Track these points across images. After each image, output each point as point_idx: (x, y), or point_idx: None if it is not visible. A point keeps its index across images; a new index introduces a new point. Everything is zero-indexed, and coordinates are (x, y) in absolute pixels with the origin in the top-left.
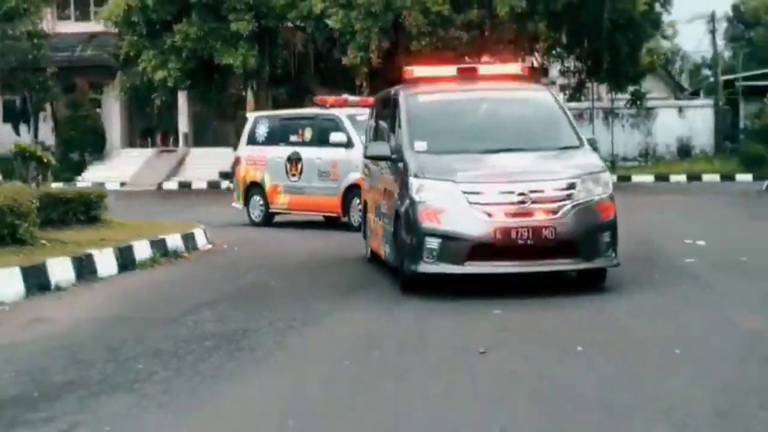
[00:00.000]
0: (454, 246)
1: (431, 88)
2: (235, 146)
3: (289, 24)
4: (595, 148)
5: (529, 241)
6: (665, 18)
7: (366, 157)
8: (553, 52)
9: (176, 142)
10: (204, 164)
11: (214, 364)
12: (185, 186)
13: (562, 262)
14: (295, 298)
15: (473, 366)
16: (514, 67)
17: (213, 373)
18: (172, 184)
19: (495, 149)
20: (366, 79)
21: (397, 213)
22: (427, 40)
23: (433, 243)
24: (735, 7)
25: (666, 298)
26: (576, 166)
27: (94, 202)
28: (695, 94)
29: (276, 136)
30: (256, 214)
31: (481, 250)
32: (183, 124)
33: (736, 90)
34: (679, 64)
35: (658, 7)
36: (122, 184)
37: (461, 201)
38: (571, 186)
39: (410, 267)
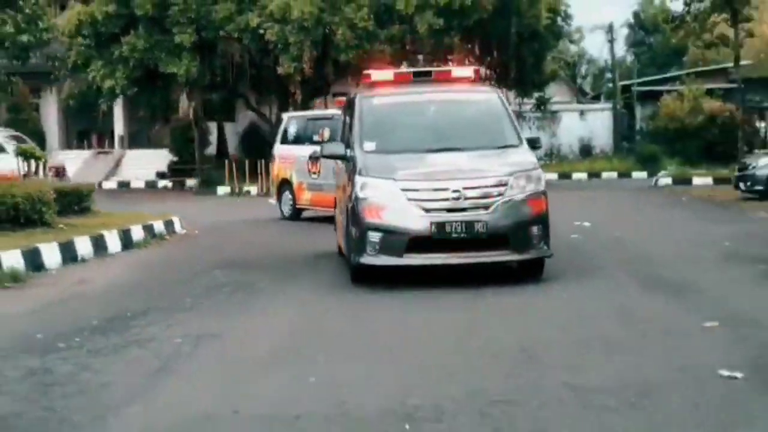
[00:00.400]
0: (393, 239)
1: (386, 91)
2: (169, 148)
3: (228, 36)
4: (535, 147)
5: (462, 235)
6: (570, 27)
7: (322, 156)
8: (466, 62)
9: (111, 144)
10: (140, 165)
11: (239, 298)
12: (124, 185)
13: (494, 254)
14: (269, 268)
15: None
16: (466, 71)
17: (240, 302)
18: (111, 184)
19: (437, 148)
20: (298, 86)
21: (347, 209)
22: (354, 52)
23: (375, 237)
24: (636, 14)
25: (549, 261)
26: (510, 164)
27: (85, 195)
28: (597, 98)
29: (302, 136)
30: (286, 209)
31: (419, 243)
32: (119, 128)
33: (633, 94)
34: (585, 68)
35: (559, 20)
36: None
37: (400, 198)
38: (504, 183)
39: (356, 259)
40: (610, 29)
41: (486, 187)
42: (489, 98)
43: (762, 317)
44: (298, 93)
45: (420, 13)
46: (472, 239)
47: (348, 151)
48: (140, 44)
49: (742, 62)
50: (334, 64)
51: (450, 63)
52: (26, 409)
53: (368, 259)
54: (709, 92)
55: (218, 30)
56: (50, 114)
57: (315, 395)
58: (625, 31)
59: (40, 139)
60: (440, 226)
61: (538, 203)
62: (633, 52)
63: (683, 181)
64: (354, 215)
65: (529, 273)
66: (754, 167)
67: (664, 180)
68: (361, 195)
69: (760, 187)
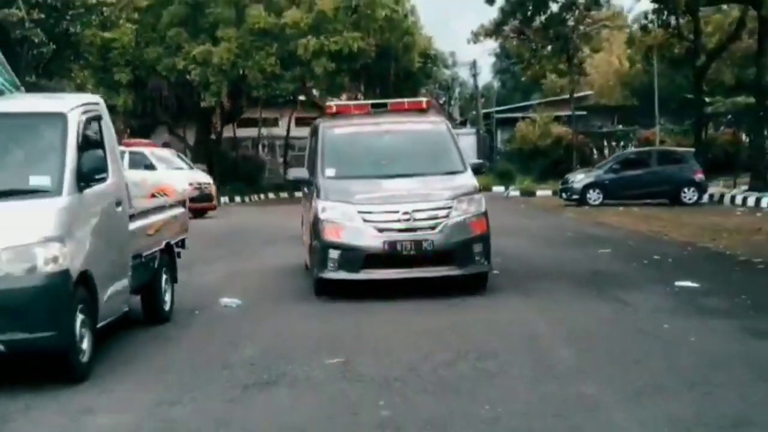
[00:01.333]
0: (351, 256)
1: (346, 122)
2: None
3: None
4: (479, 172)
5: (412, 252)
6: (439, 68)
7: (288, 179)
8: (359, 97)
9: None
10: None
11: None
12: None
13: (440, 269)
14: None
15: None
16: (419, 102)
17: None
18: None
19: (391, 174)
20: (219, 117)
21: (311, 228)
22: (263, 90)
23: (334, 254)
24: (502, 46)
25: None
26: (455, 189)
27: None
28: (464, 123)
29: None
30: None
31: (373, 259)
32: None
33: (493, 121)
34: (458, 90)
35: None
36: None
37: (357, 219)
38: (449, 206)
39: (318, 274)
40: (473, 65)
41: (433, 209)
42: (438, 128)
43: (522, 254)
44: (217, 121)
45: (317, 58)
46: (421, 256)
47: (312, 176)
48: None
49: (587, 92)
50: (247, 98)
51: (342, 98)
52: None
53: (328, 274)
54: (557, 118)
55: (150, 70)
56: None
57: None
58: (492, 59)
59: None
60: (392, 244)
61: (479, 224)
62: (499, 78)
63: (528, 193)
64: (316, 234)
65: (475, 285)
66: (572, 181)
67: (513, 192)
68: (322, 216)
69: (576, 196)
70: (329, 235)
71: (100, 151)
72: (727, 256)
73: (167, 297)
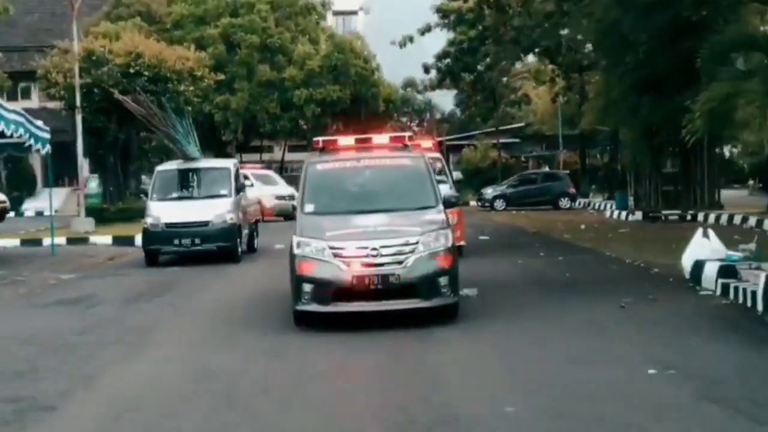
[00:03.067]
0: (322, 290)
1: (329, 158)
2: None
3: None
4: (452, 205)
5: (379, 286)
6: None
7: (275, 214)
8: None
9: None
10: None
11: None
12: None
13: (406, 302)
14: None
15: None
16: (400, 137)
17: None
18: None
19: (364, 210)
20: (234, 147)
21: (290, 262)
22: (268, 126)
23: (307, 287)
24: None
25: None
26: (423, 224)
27: None
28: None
29: None
30: None
31: (343, 293)
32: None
33: (444, 147)
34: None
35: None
36: (56, 211)
37: (328, 254)
38: (416, 241)
39: (294, 306)
40: (428, 104)
41: (400, 245)
42: (415, 163)
43: None
44: (232, 150)
45: (307, 104)
46: (387, 290)
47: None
48: None
49: (521, 124)
50: (256, 132)
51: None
52: None
53: (302, 306)
54: (494, 145)
55: None
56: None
57: None
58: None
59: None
60: (360, 278)
61: (445, 258)
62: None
63: (465, 203)
64: (292, 268)
65: (444, 316)
66: (485, 194)
67: None
68: (296, 252)
69: (487, 204)
70: (303, 270)
71: (241, 180)
72: (553, 238)
73: (256, 242)
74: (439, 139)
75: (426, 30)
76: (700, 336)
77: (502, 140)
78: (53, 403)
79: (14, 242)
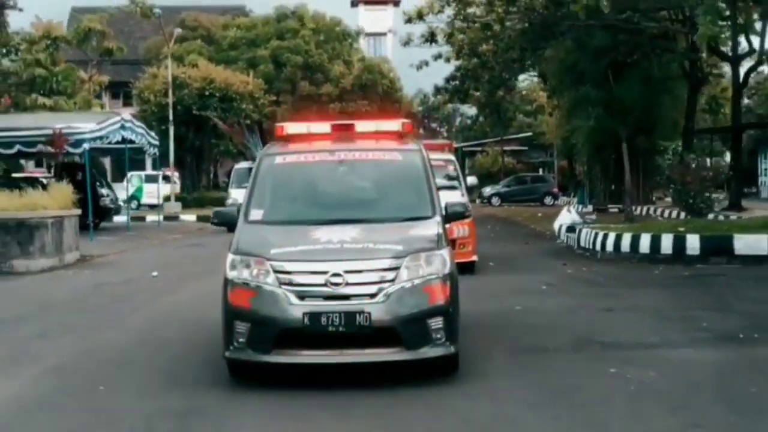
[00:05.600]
0: (261, 331)
1: (293, 149)
2: None
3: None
4: (458, 216)
5: (341, 328)
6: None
7: (212, 223)
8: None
9: None
10: None
11: None
12: None
13: (381, 352)
14: None
15: None
16: (394, 124)
17: None
18: None
19: (331, 219)
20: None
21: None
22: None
23: (241, 327)
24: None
25: None
26: (409, 241)
27: None
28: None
29: None
30: None
31: (289, 337)
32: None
33: (460, 153)
34: (459, 119)
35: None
36: (136, 199)
37: (272, 280)
38: (395, 265)
39: (223, 351)
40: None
41: (374, 270)
42: (409, 160)
43: None
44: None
45: (340, 117)
46: (353, 334)
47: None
48: None
49: (528, 133)
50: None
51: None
52: None
53: (234, 354)
54: (504, 152)
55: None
56: None
57: None
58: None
59: None
60: (315, 317)
61: (439, 289)
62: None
63: (472, 201)
64: (223, 299)
65: (440, 371)
66: (485, 192)
67: None
68: (229, 275)
69: (486, 200)
70: (235, 301)
71: None
72: (509, 220)
73: None
74: (456, 145)
75: (438, 56)
76: (545, 257)
77: (511, 147)
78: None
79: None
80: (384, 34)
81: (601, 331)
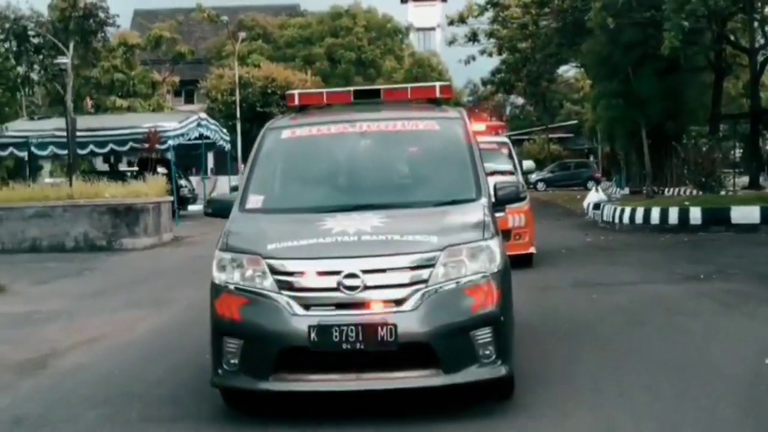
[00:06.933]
0: (256, 351)
1: (303, 120)
2: None
3: None
4: (512, 199)
5: (359, 345)
6: None
7: (205, 213)
8: None
9: None
10: None
11: None
12: None
13: (410, 376)
14: None
15: None
16: (430, 88)
17: None
18: None
19: (347, 205)
20: None
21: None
22: None
23: (232, 345)
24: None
25: None
26: (447, 231)
27: None
28: None
29: None
30: None
31: (292, 357)
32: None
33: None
34: (509, 109)
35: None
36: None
37: (269, 284)
38: (429, 263)
39: (212, 376)
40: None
41: (400, 269)
42: (448, 129)
43: None
44: None
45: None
46: (376, 352)
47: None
48: None
49: (573, 121)
50: None
51: None
52: None
53: (224, 380)
54: (551, 139)
55: None
56: None
57: None
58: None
59: None
60: (324, 331)
61: (484, 292)
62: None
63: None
64: (210, 309)
65: (489, 396)
66: (531, 177)
67: None
68: (216, 279)
69: (531, 186)
70: (225, 312)
71: None
72: (551, 203)
73: None
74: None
75: (482, 51)
76: (571, 230)
77: (557, 135)
78: None
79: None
80: (433, 28)
81: (598, 277)
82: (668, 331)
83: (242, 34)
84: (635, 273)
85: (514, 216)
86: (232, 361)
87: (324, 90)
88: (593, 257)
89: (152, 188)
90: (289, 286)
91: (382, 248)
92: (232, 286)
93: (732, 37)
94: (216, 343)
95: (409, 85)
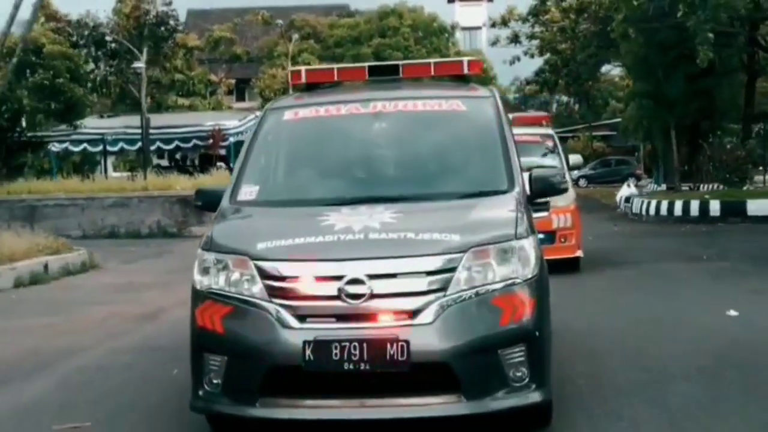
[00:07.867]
0: (242, 370)
1: (308, 99)
2: None
3: None
4: (554, 190)
5: (363, 365)
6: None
7: (196, 206)
8: None
9: None
10: None
11: None
12: None
13: (425, 403)
14: None
15: None
16: (456, 63)
17: None
18: None
19: (353, 198)
20: None
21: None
22: None
23: (215, 362)
24: None
25: None
26: (471, 228)
27: None
28: None
29: None
30: None
31: (285, 378)
32: None
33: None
34: (555, 105)
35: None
36: None
37: (258, 291)
38: (449, 266)
39: (191, 399)
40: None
41: (414, 273)
42: (477, 110)
43: None
44: None
45: None
46: (384, 374)
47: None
48: None
49: (617, 119)
50: None
51: None
52: None
53: (203, 403)
54: (594, 137)
55: None
56: None
57: None
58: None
59: None
60: (322, 347)
61: (516, 302)
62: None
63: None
64: (191, 319)
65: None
66: (573, 174)
67: None
68: (197, 283)
69: (573, 182)
70: (205, 323)
71: None
72: (589, 198)
73: None
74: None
75: (526, 52)
76: (602, 221)
77: (601, 133)
78: None
79: None
80: (479, 28)
81: (618, 258)
82: (659, 293)
83: (295, 36)
84: (649, 255)
85: (559, 216)
86: (215, 381)
87: (335, 66)
88: (617, 244)
89: (216, 181)
90: (282, 293)
91: (393, 249)
92: (215, 293)
93: (763, 42)
94: (196, 359)
95: (432, 60)
